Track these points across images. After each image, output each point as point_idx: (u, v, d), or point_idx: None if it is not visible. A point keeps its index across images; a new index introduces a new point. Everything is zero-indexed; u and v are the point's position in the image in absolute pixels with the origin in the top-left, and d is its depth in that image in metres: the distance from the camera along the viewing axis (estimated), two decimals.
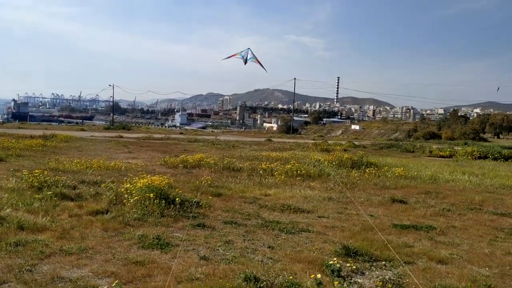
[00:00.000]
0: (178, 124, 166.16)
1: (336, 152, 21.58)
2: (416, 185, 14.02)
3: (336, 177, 14.32)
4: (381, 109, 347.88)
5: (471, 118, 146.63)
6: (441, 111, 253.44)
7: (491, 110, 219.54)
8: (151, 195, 8.30)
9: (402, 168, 16.74)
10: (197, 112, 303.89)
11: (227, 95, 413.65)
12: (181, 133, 48.22)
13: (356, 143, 38.48)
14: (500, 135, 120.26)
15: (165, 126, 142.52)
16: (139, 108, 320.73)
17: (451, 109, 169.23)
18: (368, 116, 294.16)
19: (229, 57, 13.61)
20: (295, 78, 72.19)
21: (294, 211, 9.17)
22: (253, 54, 13.25)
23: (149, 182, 8.80)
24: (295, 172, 14.51)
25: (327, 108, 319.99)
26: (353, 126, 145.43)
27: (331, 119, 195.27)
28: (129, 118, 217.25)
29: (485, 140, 75.96)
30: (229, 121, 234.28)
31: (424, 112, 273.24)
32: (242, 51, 13.48)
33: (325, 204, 10.21)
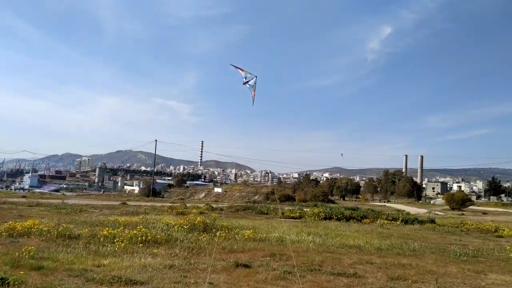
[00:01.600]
0: (27, 187, 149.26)
1: (190, 215, 21.03)
2: (263, 247, 14.05)
3: (184, 242, 13.68)
4: (243, 172, 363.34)
5: (321, 182, 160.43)
6: (295, 175, 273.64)
7: (338, 175, 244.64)
8: None
9: (251, 230, 16.83)
10: (50, 174, 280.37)
11: (86, 156, 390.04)
12: (24, 197, 43.34)
13: (214, 205, 38.55)
14: (346, 197, 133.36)
15: (11, 189, 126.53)
16: None
17: (304, 173, 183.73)
18: (230, 179, 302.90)
19: (236, 67, 12.28)
20: (156, 140, 71.74)
21: (126, 284, 8.19)
22: (255, 85, 12.06)
23: None
24: (139, 238, 13.47)
25: (191, 171, 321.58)
26: (216, 189, 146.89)
27: (194, 182, 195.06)
28: None
29: (333, 202, 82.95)
30: (86, 184, 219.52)
31: (281, 176, 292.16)
32: (250, 74, 12.20)
33: (164, 273, 9.43)
